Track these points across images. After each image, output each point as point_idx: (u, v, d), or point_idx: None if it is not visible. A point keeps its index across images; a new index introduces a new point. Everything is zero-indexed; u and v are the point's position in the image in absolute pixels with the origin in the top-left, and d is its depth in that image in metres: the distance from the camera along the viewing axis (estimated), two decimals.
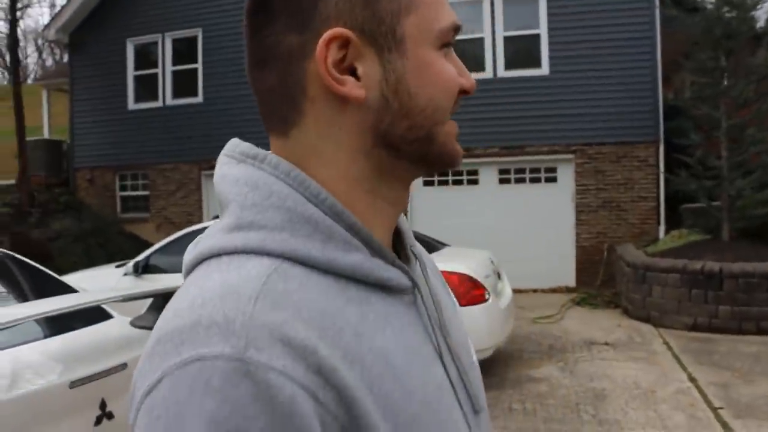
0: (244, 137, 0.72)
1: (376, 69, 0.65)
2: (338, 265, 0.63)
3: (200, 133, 12.47)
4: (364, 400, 0.57)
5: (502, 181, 11.12)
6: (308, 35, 0.64)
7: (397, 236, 0.77)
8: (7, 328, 2.54)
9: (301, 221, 0.63)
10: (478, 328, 5.79)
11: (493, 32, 10.89)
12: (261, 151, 0.68)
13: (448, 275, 5.90)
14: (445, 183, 11.42)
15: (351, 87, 0.65)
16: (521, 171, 11.02)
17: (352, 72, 0.65)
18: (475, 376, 0.79)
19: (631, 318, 8.37)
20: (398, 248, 0.76)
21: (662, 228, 10.29)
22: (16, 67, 14.71)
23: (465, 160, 10.89)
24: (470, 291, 5.90)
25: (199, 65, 12.72)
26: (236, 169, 0.67)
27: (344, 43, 0.64)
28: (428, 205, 11.37)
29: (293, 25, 0.65)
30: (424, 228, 10.85)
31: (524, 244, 10.66)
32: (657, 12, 10.04)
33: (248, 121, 12.72)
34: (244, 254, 0.61)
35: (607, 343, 7.18)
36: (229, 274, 0.59)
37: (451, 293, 0.90)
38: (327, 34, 0.63)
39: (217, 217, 0.71)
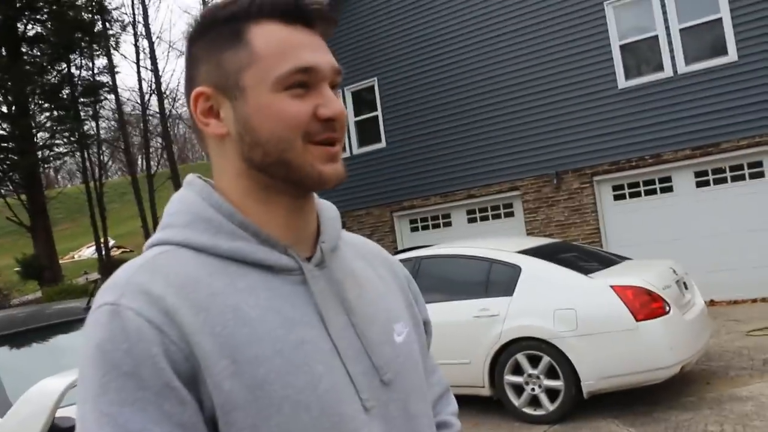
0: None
1: (230, 113, 0.90)
2: (222, 249, 0.88)
3: (386, 177, 13.03)
4: (202, 337, 0.80)
5: (699, 185, 10.16)
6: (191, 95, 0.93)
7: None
8: None
9: (200, 220, 0.90)
10: (658, 344, 5.29)
11: (667, 27, 10.12)
12: (194, 178, 0.96)
13: (621, 290, 5.50)
14: (637, 195, 10.69)
15: (213, 127, 0.91)
16: (719, 171, 9.99)
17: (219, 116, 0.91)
18: (389, 352, 0.95)
19: None
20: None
21: None
22: None
23: (654, 168, 10.27)
24: (647, 304, 5.43)
25: (378, 113, 13.29)
26: (177, 194, 0.96)
27: (207, 97, 0.90)
28: (622, 220, 10.72)
29: (187, 90, 0.94)
30: (618, 244, 10.28)
31: (734, 251, 9.61)
32: None
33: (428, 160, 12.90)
34: (158, 245, 0.90)
35: None
36: (139, 257, 0.88)
37: (404, 285, 1.11)
38: (192, 93, 0.91)
39: None
